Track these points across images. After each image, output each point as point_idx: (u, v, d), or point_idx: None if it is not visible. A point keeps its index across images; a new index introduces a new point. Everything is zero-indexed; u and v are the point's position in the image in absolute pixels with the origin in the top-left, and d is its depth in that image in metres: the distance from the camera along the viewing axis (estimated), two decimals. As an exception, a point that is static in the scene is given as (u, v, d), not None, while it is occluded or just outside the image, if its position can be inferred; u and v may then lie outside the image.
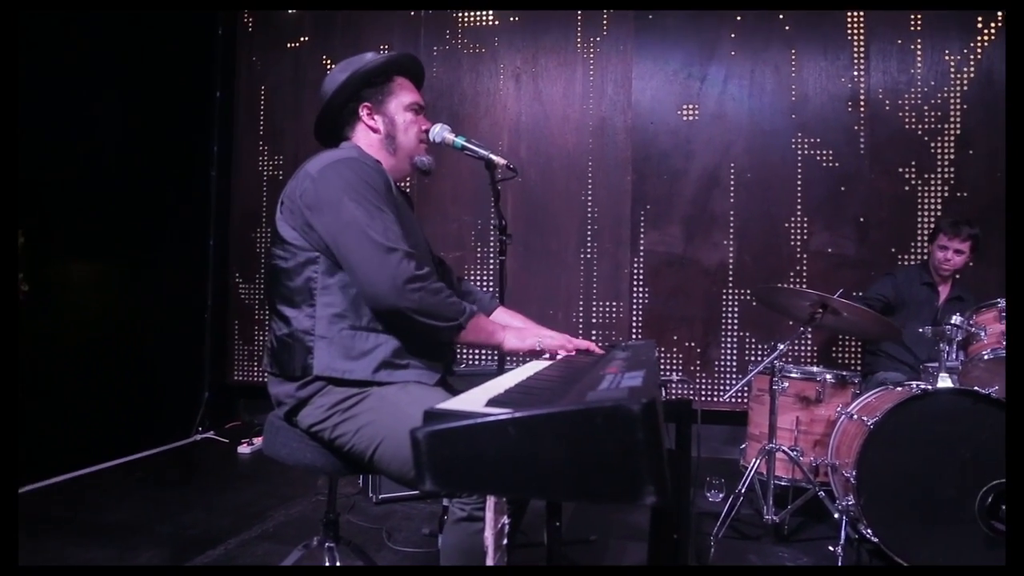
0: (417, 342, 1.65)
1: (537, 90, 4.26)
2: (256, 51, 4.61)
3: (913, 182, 3.97)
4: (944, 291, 3.39)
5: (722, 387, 3.97)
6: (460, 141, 1.86)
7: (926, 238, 3.77)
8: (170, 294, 4.10)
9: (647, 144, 4.13)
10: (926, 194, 3.95)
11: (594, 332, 4.09)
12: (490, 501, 1.54)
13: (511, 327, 1.78)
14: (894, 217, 3.96)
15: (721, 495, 3.06)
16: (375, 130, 1.77)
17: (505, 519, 1.54)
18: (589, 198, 4.17)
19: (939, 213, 3.92)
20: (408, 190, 4.22)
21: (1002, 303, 2.64)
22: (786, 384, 2.84)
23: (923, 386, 2.56)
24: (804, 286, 3.90)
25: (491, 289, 4.01)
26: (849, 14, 4.01)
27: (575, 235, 4.16)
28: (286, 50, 4.57)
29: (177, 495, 3.09)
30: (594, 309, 4.14)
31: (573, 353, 1.72)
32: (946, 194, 3.94)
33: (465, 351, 3.87)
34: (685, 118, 4.11)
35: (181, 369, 4.21)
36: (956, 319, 2.60)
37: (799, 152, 4.02)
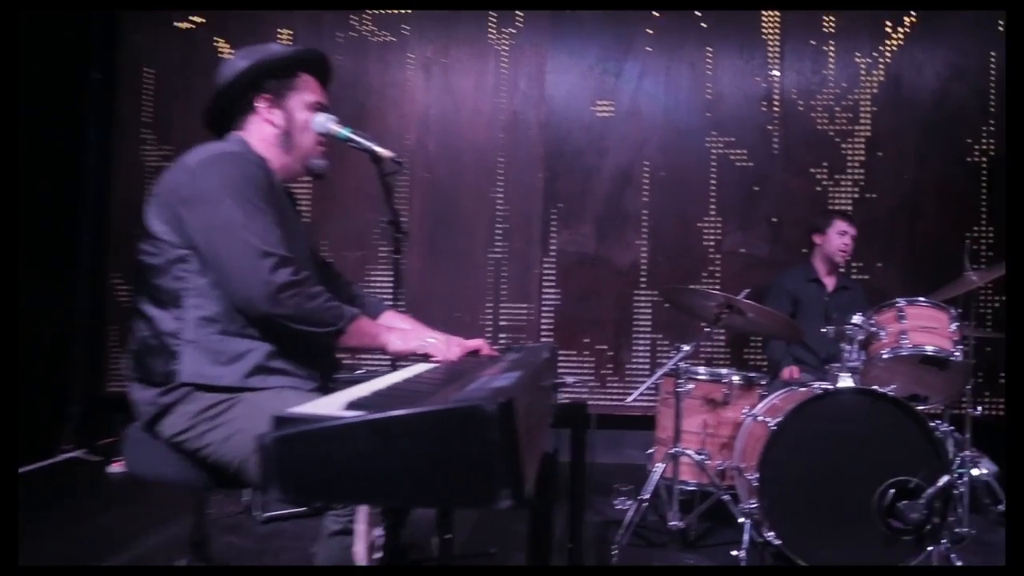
0: (295, 347, 1.63)
1: (448, 82, 4.26)
2: (140, 28, 4.44)
3: (824, 182, 4.16)
4: (831, 283, 3.60)
5: (634, 390, 4.04)
6: (345, 132, 1.85)
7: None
8: (32, 296, 3.89)
9: (560, 140, 4.19)
10: (837, 194, 4.15)
11: (503, 335, 4.12)
12: (361, 512, 1.53)
13: (397, 329, 1.78)
14: (806, 217, 4.13)
15: (630, 502, 3.12)
16: (272, 124, 1.75)
17: (378, 531, 1.54)
18: (499, 195, 4.20)
19: (851, 212, 4.12)
20: (310, 187, 4.16)
21: (901, 302, 2.80)
22: (691, 386, 2.92)
23: (825, 386, 2.68)
24: (717, 286, 4.03)
25: (392, 291, 3.98)
26: (764, 14, 4.18)
27: (484, 234, 4.19)
28: (175, 30, 4.42)
29: (32, 523, 2.92)
30: (503, 311, 4.17)
31: (462, 355, 1.73)
32: (856, 195, 4.15)
33: (365, 357, 3.83)
34: (599, 114, 4.19)
35: (44, 380, 3.99)
36: (857, 319, 2.74)
37: (713, 151, 4.15)
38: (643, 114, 4.17)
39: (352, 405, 1.06)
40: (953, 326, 2.76)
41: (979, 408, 3.06)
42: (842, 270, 3.69)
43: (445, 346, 1.72)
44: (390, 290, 3.99)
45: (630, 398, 2.83)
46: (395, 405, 1.04)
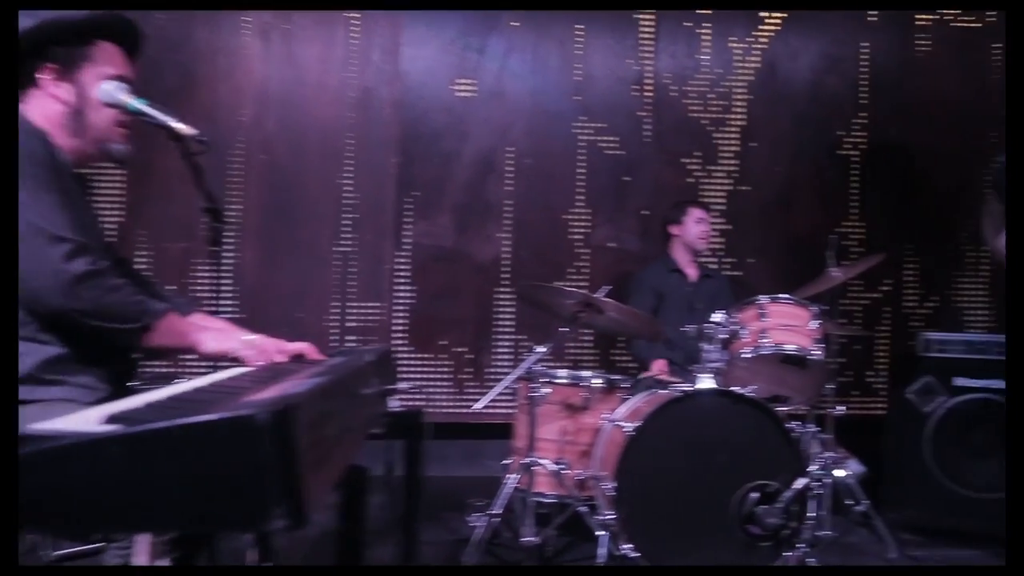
0: (81, 351, 1.57)
1: (290, 51, 4.17)
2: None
3: (697, 173, 4.37)
4: (693, 273, 3.84)
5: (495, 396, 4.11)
6: (137, 104, 1.77)
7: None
8: None
9: (416, 121, 4.19)
10: (709, 187, 4.37)
11: (351, 338, 4.08)
12: (141, 542, 1.48)
13: (211, 329, 1.74)
14: (678, 210, 4.35)
15: (485, 518, 3.17)
16: (59, 101, 1.66)
17: (165, 562, 1.49)
18: (348, 181, 4.15)
19: (724, 207, 4.36)
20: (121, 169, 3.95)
21: (762, 299, 2.99)
22: (547, 391, 3.00)
23: (684, 388, 2.83)
24: (586, 283, 4.15)
25: (214, 288, 3.86)
26: (638, -10, 4.32)
27: (330, 224, 4.12)
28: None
29: None
30: (351, 311, 4.12)
31: (281, 359, 1.70)
32: (729, 187, 4.39)
33: (189, 363, 3.68)
34: (460, 94, 4.22)
35: None
36: (718, 316, 2.91)
37: (582, 137, 4.27)
38: (508, 95, 4.23)
39: (112, 419, 1.03)
40: (814, 324, 2.97)
41: (842, 407, 3.27)
42: (704, 261, 3.97)
43: (263, 349, 1.69)
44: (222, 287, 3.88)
45: (478, 404, 2.88)
46: (162, 417, 1.01)
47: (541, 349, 2.87)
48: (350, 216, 4.14)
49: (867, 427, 3.91)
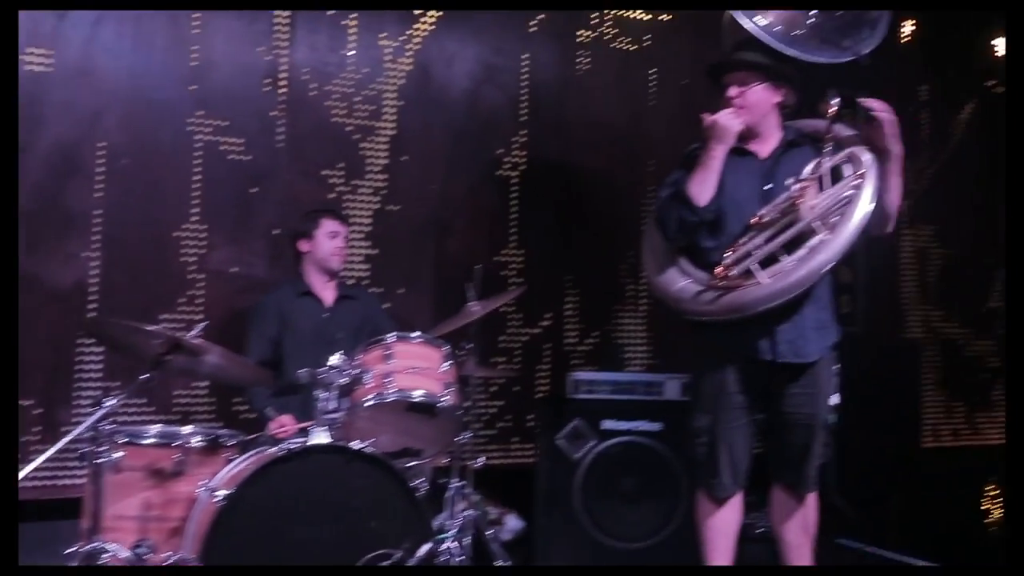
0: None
1: None
2: None
3: (340, 188, 4.35)
4: (329, 296, 3.79)
5: (65, 467, 3.72)
6: None
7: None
8: None
9: (-31, 100, 3.71)
10: (354, 204, 4.37)
11: None
12: None
13: None
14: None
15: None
16: None
17: None
18: None
19: (369, 227, 4.37)
20: None
21: (390, 339, 3.01)
22: (119, 455, 2.77)
23: (291, 445, 2.75)
24: (200, 316, 3.94)
25: None
26: (274, -35, 4.21)
27: None
28: None
29: None
30: None
31: None
32: (377, 205, 4.42)
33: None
34: (31, 67, 3.80)
35: None
36: (336, 359, 2.87)
37: (199, 137, 4.07)
38: (99, 74, 3.90)
39: None
40: (446, 365, 3.04)
41: (481, 459, 3.38)
42: (343, 280, 3.95)
43: None
44: None
45: (22, 474, 2.56)
46: None
47: (111, 402, 2.63)
48: None
49: (530, 477, 4.11)
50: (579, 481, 3.83)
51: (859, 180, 2.80)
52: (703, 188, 2.91)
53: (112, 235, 3.91)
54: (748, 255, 2.84)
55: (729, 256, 2.86)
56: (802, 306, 2.90)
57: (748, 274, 2.82)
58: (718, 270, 2.86)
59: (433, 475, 3.53)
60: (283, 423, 3.36)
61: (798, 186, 2.81)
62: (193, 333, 2.79)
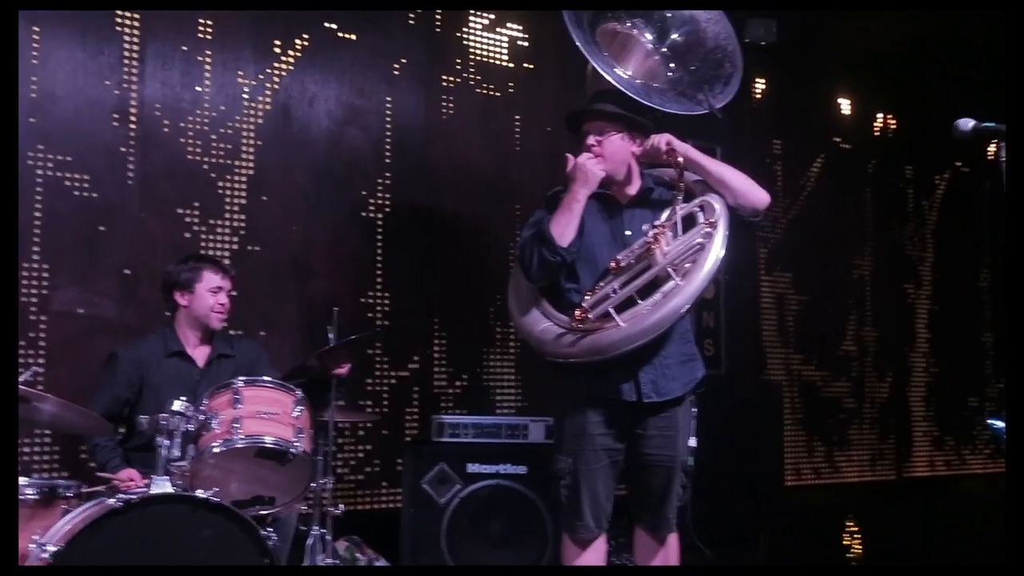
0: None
1: None
2: None
3: (196, 227, 4.23)
4: (202, 355, 3.47)
5: None
6: None
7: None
8: None
9: None
10: (212, 243, 4.25)
11: None
12: None
13: None
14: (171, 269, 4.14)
15: None
16: None
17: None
18: None
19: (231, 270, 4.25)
20: None
21: (238, 383, 2.92)
22: (-65, 509, 2.55)
23: (130, 495, 2.60)
24: (42, 359, 3.79)
25: None
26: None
27: None
28: None
29: None
30: None
31: None
32: (236, 246, 4.31)
33: None
34: None
35: None
36: (179, 404, 2.74)
37: (40, 172, 3.90)
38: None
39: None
40: (298, 410, 2.95)
41: (339, 507, 3.29)
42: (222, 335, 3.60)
43: None
44: None
45: None
46: None
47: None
48: None
49: (397, 522, 4.02)
50: (446, 525, 3.80)
51: (710, 228, 2.86)
52: (565, 229, 2.93)
53: (-63, 275, 3.67)
54: (606, 298, 2.88)
55: (587, 299, 2.89)
56: (663, 346, 2.94)
57: (607, 317, 2.86)
58: (577, 313, 2.88)
59: (297, 522, 3.43)
60: (129, 476, 3.16)
61: (652, 232, 2.87)
62: (23, 378, 2.62)
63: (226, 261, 4.23)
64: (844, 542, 5.66)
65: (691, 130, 3.37)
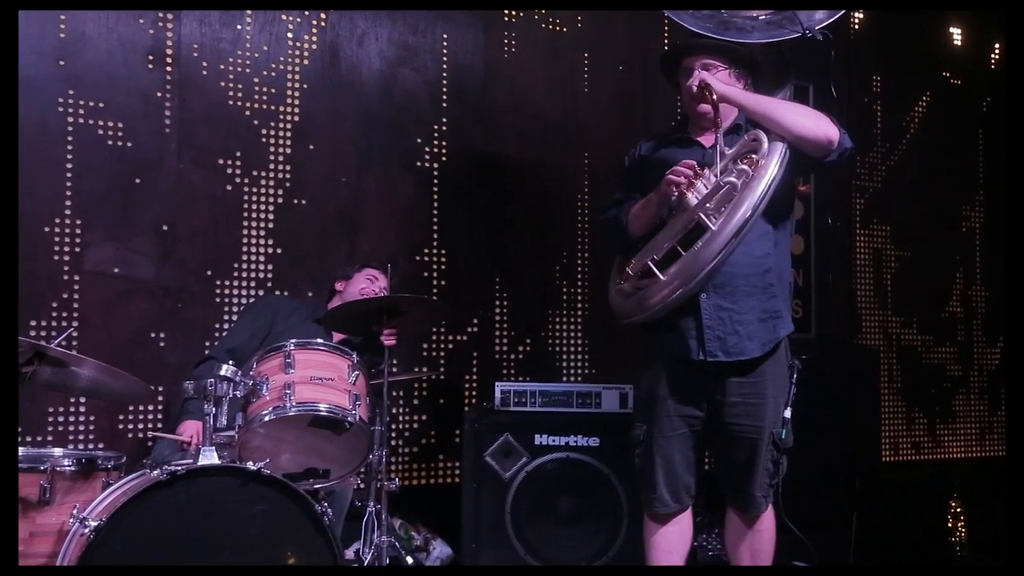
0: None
1: None
2: None
3: (239, 180, 4.22)
4: (339, 338, 3.72)
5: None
6: None
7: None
8: None
9: None
10: (254, 197, 4.24)
11: None
12: None
13: None
14: (211, 227, 4.16)
15: None
16: None
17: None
18: None
19: (271, 224, 4.25)
20: None
21: (289, 346, 2.90)
22: (-29, 481, 2.60)
23: (175, 467, 2.62)
24: (74, 323, 3.82)
25: None
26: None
27: None
28: None
29: None
30: None
31: None
32: (280, 200, 4.30)
33: None
34: None
35: None
36: (227, 369, 2.74)
37: (71, 119, 3.92)
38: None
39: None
40: (353, 376, 2.94)
41: (395, 480, 3.28)
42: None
43: None
44: None
45: None
46: None
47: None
48: None
49: (457, 498, 4.01)
50: (511, 502, 3.77)
51: (747, 166, 2.76)
52: (642, 224, 2.99)
53: (-34, 231, 3.72)
54: (650, 252, 2.88)
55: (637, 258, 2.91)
56: (737, 300, 2.88)
57: (650, 273, 2.84)
58: (627, 271, 2.89)
59: (354, 498, 3.46)
60: (188, 431, 3.24)
61: (683, 176, 2.82)
62: (58, 341, 2.64)
63: (270, 216, 4.26)
64: (947, 524, 5.54)
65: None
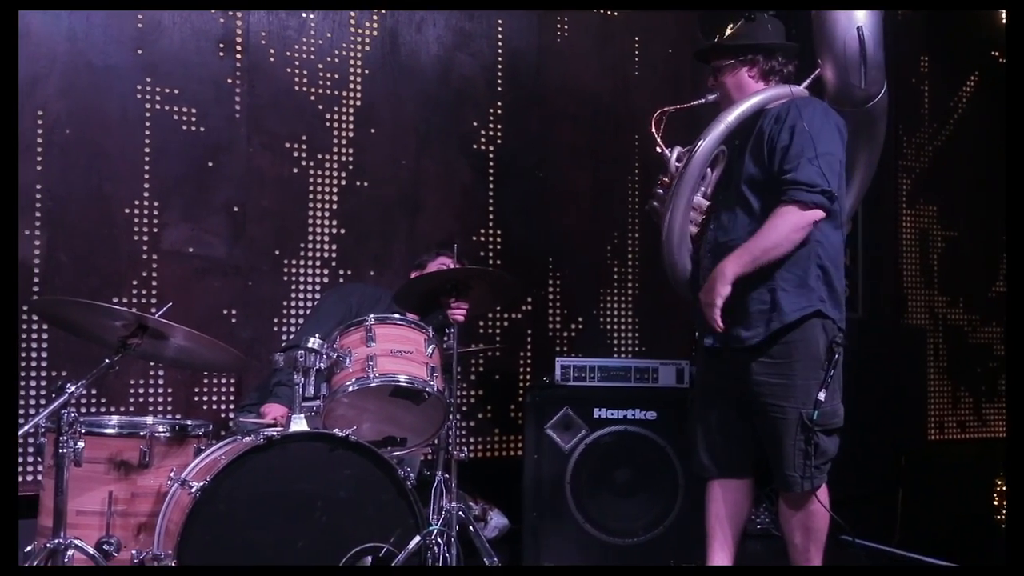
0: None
1: None
2: None
3: (304, 163, 4.41)
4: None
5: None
6: None
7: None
8: None
9: None
10: (319, 179, 4.44)
11: None
12: None
13: None
14: (279, 208, 4.35)
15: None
16: None
17: None
18: None
19: (335, 205, 4.44)
20: None
21: (370, 320, 3.09)
22: (81, 445, 2.80)
23: (269, 432, 2.82)
24: (154, 299, 4.02)
25: None
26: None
27: None
28: None
29: None
30: None
31: None
32: (343, 182, 4.49)
33: None
34: (-38, 31, 3.83)
35: None
36: (314, 342, 2.93)
37: (148, 106, 4.12)
38: (35, 37, 3.92)
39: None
40: (430, 349, 3.12)
41: (463, 451, 3.42)
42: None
43: None
44: None
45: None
46: None
47: (71, 389, 2.67)
48: None
49: (512, 471, 4.20)
50: (570, 473, 3.92)
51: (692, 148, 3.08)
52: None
53: (54, 211, 3.94)
54: None
55: None
56: (740, 292, 2.94)
57: None
58: None
59: (421, 467, 3.62)
60: (273, 415, 3.38)
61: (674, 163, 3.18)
62: (160, 313, 2.83)
63: (333, 198, 4.45)
64: (992, 502, 5.61)
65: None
